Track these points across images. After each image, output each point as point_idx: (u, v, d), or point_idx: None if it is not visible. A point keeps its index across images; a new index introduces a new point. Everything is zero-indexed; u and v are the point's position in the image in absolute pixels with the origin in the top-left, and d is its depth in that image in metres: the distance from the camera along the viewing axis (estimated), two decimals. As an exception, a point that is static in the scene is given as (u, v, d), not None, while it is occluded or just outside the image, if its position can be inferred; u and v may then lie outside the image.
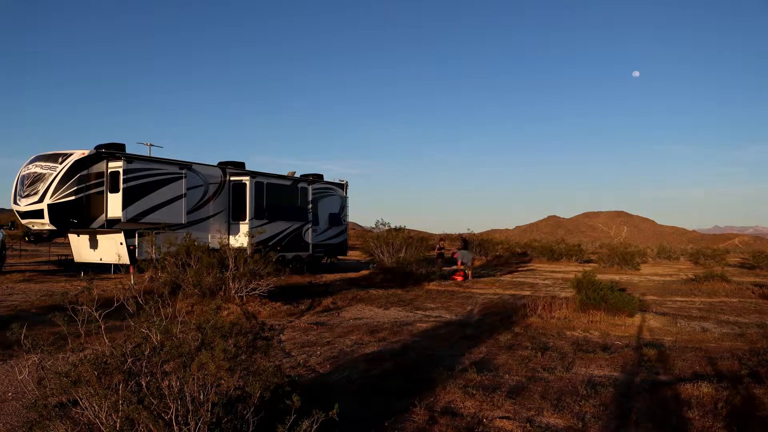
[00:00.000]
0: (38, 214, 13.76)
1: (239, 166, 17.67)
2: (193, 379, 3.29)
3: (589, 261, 33.82)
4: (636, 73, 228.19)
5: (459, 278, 18.86)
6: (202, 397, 3.31)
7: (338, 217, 21.63)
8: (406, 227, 23.00)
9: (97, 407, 3.23)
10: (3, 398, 5.42)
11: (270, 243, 17.32)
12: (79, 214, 13.80)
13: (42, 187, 13.72)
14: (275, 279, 11.85)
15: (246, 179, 17.10)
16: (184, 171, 15.42)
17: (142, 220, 14.28)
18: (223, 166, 17.19)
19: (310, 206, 19.55)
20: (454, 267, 20.29)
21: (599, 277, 13.11)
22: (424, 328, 9.89)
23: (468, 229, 45.58)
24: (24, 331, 3.52)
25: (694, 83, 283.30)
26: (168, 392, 3.29)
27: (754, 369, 7.16)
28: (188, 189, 15.55)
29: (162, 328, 3.63)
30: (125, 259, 14.29)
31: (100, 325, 3.63)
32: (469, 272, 19.57)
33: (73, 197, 13.65)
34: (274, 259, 12.06)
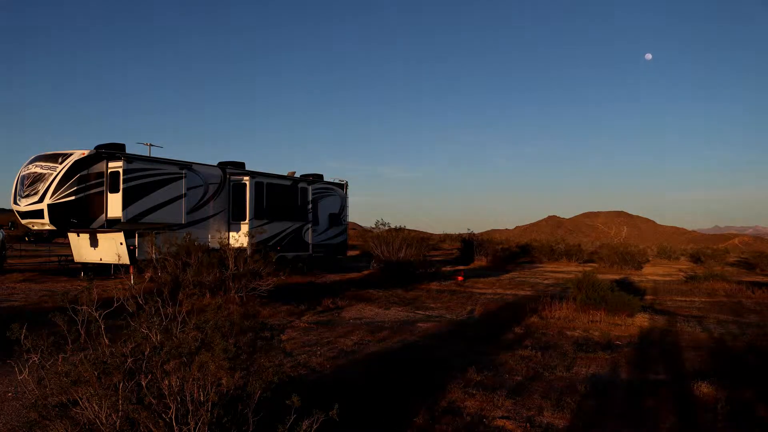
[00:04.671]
0: (38, 214, 13.75)
1: (239, 166, 17.67)
2: (193, 379, 3.29)
3: (589, 261, 33.82)
4: (648, 56, 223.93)
5: (460, 278, 18.87)
6: (202, 397, 3.30)
7: (338, 217, 21.62)
8: (406, 227, 22.97)
9: (97, 407, 3.23)
10: (3, 398, 5.42)
11: (270, 243, 17.31)
12: (79, 214, 13.79)
13: (42, 187, 13.71)
14: (275, 279, 11.84)
15: (246, 179, 17.09)
16: (184, 171, 15.41)
17: (142, 220, 14.27)
18: (223, 166, 17.17)
19: (310, 206, 19.54)
20: (459, 267, 20.29)
21: (600, 277, 13.11)
22: (425, 328, 9.89)
23: (468, 229, 45.51)
24: (24, 331, 3.52)
25: (698, 79, 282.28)
26: (168, 392, 3.29)
27: (753, 368, 7.16)
28: (188, 189, 15.54)
29: (162, 328, 3.63)
30: (125, 259, 14.28)
31: (100, 325, 3.62)
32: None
33: (73, 197, 13.64)
34: (274, 259, 12.05)
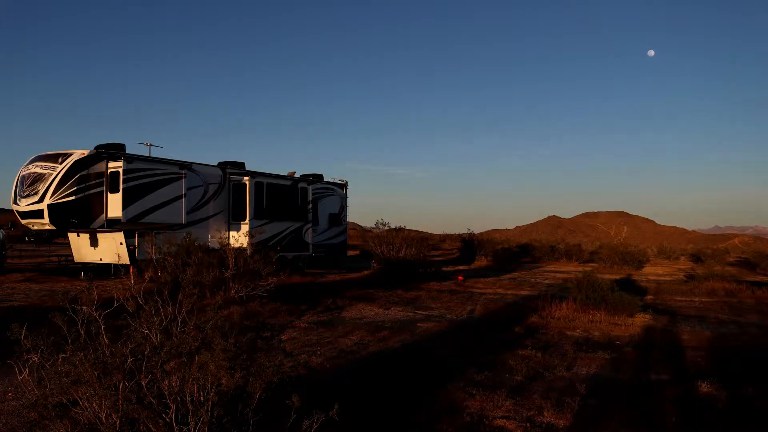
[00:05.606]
0: (38, 214, 13.76)
1: (239, 166, 17.67)
2: (193, 379, 3.29)
3: (590, 261, 33.84)
4: (651, 53, 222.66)
5: (460, 278, 18.88)
6: (202, 397, 3.30)
7: (338, 217, 21.62)
8: (406, 227, 22.98)
9: (97, 407, 3.22)
10: (3, 398, 5.42)
11: (270, 243, 17.31)
12: (79, 214, 13.80)
13: (42, 187, 13.71)
14: (275, 279, 11.84)
15: (246, 179, 17.10)
16: (184, 171, 15.41)
17: (142, 220, 14.28)
18: (223, 166, 17.18)
19: (310, 206, 19.54)
20: (459, 267, 20.26)
21: (600, 277, 13.11)
22: (426, 328, 9.89)
23: (468, 229, 45.59)
24: (24, 331, 3.52)
25: (699, 77, 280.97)
26: (168, 392, 3.28)
27: (754, 368, 7.16)
28: (188, 189, 15.54)
29: (162, 328, 3.63)
30: (125, 259, 14.28)
31: (100, 325, 3.62)
32: None
33: (73, 197, 13.65)
34: (274, 259, 12.05)
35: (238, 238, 16.76)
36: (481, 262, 30.37)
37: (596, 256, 34.34)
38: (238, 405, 3.44)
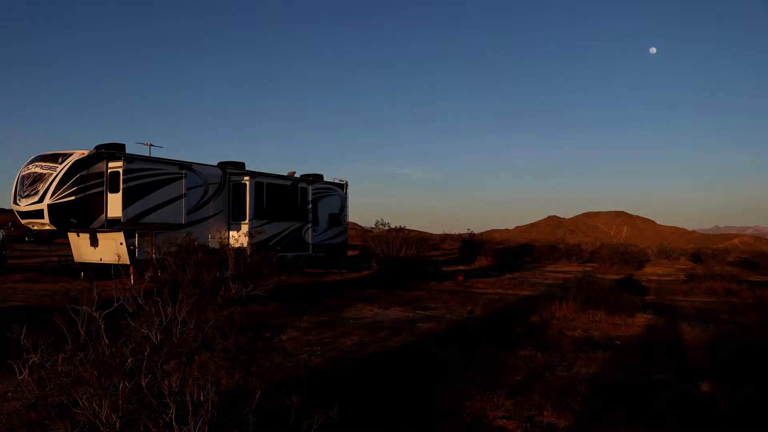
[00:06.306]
0: (38, 214, 13.76)
1: (239, 166, 17.68)
2: (193, 379, 3.29)
3: (590, 261, 33.84)
4: (653, 50, 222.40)
5: (460, 278, 18.88)
6: (202, 397, 3.30)
7: (338, 217, 21.63)
8: (406, 227, 22.99)
9: (97, 407, 3.22)
10: (3, 398, 5.42)
11: (270, 243, 17.31)
12: (79, 214, 13.80)
13: (42, 188, 13.72)
14: (276, 279, 11.84)
15: (246, 179, 17.10)
16: (184, 171, 15.42)
17: (142, 221, 14.28)
18: (223, 166, 17.19)
19: (310, 206, 19.55)
20: (459, 267, 20.26)
21: (600, 277, 13.11)
22: (425, 328, 9.89)
23: (468, 229, 45.63)
24: (24, 331, 3.52)
25: (699, 76, 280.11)
26: (168, 392, 3.28)
27: (754, 367, 7.16)
28: (188, 189, 15.55)
29: (162, 328, 3.62)
30: (125, 260, 14.29)
31: (100, 325, 3.62)
32: None
33: (73, 197, 13.65)
34: (274, 259, 12.05)
35: (238, 238, 16.76)
36: (482, 262, 30.36)
37: (596, 256, 34.37)
38: (238, 405, 3.44)
